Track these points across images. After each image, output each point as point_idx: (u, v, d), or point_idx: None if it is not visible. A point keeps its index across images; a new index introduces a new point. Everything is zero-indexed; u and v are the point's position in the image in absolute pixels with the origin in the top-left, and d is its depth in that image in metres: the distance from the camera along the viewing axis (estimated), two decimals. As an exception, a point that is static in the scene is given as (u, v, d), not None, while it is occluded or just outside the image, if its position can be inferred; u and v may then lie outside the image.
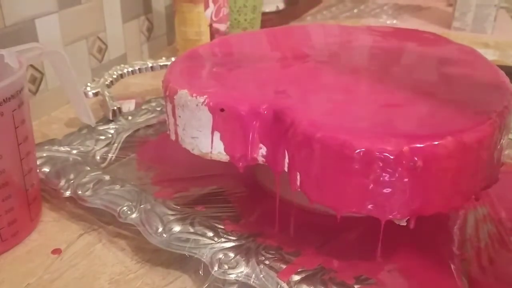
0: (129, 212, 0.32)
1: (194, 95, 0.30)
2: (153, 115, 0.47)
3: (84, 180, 0.36)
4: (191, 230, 0.30)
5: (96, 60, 0.57)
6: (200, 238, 0.30)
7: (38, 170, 0.35)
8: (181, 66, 0.34)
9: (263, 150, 0.29)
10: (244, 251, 0.29)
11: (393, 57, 0.36)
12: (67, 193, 0.35)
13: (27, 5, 0.46)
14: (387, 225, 0.26)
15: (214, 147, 0.30)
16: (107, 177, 0.36)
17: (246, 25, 0.70)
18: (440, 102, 0.29)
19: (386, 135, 0.25)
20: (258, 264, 0.28)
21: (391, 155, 0.24)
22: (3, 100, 0.28)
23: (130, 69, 0.52)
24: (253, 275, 0.27)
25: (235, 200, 0.35)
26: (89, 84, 0.48)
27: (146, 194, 0.34)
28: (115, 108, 0.46)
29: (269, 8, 0.82)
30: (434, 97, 0.29)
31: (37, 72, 0.48)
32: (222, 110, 0.29)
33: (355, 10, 0.91)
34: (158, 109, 0.48)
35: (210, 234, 0.30)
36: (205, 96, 0.29)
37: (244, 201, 0.35)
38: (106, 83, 0.49)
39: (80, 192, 0.35)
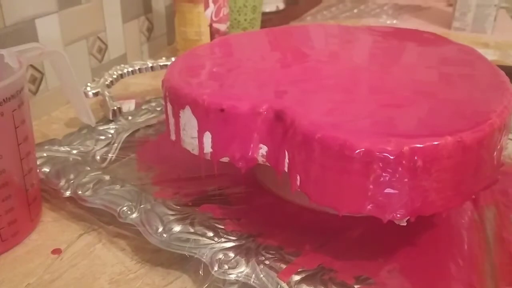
0: (129, 212, 0.32)
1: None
2: (153, 115, 0.47)
3: (84, 180, 0.36)
4: (191, 230, 0.30)
5: (96, 60, 0.57)
6: (200, 238, 0.30)
7: (38, 170, 0.35)
8: (181, 66, 0.34)
9: (263, 150, 0.29)
10: (244, 251, 0.29)
11: (393, 57, 0.36)
12: (67, 193, 0.35)
13: (27, 5, 0.46)
14: (387, 225, 0.26)
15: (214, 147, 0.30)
16: (107, 177, 0.36)
17: (246, 25, 0.70)
18: (440, 102, 0.29)
19: (386, 135, 0.25)
20: (258, 264, 0.28)
21: (391, 155, 0.24)
22: (3, 100, 0.28)
23: (130, 69, 0.52)
24: (253, 275, 0.27)
25: (235, 200, 0.35)
26: (89, 84, 0.48)
27: (146, 194, 0.34)
28: (115, 108, 0.46)
29: (269, 8, 0.82)
30: (434, 97, 0.29)
31: (37, 72, 0.48)
32: (222, 110, 0.29)
33: (355, 10, 0.91)
34: (158, 109, 0.48)
35: (210, 234, 0.30)
36: (205, 96, 0.29)
37: (244, 201, 0.35)
38: (106, 83, 0.49)
39: (80, 192, 0.35)
